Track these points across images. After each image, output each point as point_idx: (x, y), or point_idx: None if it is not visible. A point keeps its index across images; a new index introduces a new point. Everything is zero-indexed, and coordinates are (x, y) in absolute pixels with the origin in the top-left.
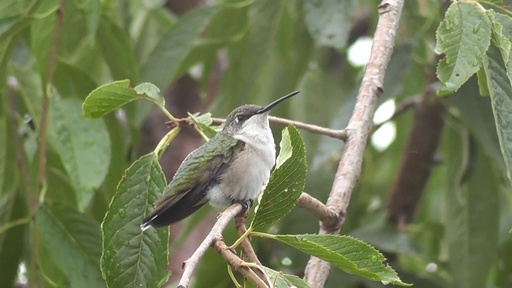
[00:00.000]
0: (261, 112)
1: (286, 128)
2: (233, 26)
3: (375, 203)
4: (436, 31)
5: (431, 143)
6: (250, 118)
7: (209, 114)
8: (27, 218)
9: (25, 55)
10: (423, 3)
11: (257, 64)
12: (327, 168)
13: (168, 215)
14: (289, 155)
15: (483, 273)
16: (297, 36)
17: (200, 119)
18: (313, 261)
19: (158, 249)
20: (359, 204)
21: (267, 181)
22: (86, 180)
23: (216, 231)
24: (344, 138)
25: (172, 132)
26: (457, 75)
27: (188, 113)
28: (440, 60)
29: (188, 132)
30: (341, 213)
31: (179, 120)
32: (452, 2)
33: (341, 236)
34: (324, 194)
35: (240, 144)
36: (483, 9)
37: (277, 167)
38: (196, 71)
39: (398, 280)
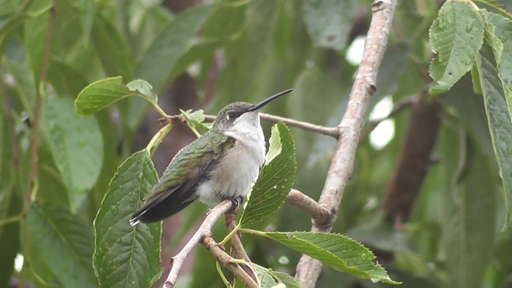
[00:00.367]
0: (252, 110)
1: (276, 125)
2: (230, 25)
3: (371, 202)
4: (429, 30)
5: (428, 142)
6: (242, 116)
7: (201, 111)
8: (19, 216)
9: (22, 54)
10: (421, 3)
11: (254, 63)
12: (324, 166)
13: (158, 211)
14: (279, 152)
15: (480, 273)
16: (294, 35)
17: (193, 116)
18: (305, 258)
19: (151, 246)
20: (356, 203)
21: (256, 178)
22: (78, 181)
23: (205, 228)
24: (337, 136)
25: (164, 129)
26: (450, 73)
27: (181, 110)
28: (433, 59)
29: (185, 130)
30: (333, 211)
31: (171, 117)
32: (445, 0)
33: (331, 234)
34: (320, 192)
35: (230, 140)
36: (477, 8)
37: (266, 163)
38: (194, 69)
39: (388, 278)
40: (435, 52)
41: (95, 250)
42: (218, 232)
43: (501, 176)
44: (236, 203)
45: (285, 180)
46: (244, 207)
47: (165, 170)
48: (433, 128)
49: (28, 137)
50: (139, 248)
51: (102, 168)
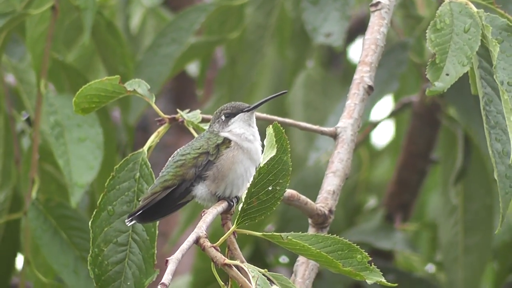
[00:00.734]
0: (247, 111)
1: (271, 126)
2: (229, 24)
3: (372, 201)
4: (427, 31)
5: (428, 142)
6: (237, 116)
7: (198, 111)
8: (20, 213)
9: (22, 52)
10: (421, 3)
11: (253, 62)
12: (324, 166)
13: (154, 211)
14: (273, 153)
15: (478, 273)
16: (294, 34)
17: (190, 116)
18: (302, 258)
19: (146, 247)
20: (356, 203)
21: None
22: (78, 175)
23: (200, 228)
24: (334, 136)
25: (161, 129)
26: (447, 74)
27: (178, 110)
28: (430, 60)
29: (185, 129)
30: (330, 211)
31: (169, 117)
32: (443, 1)
33: (326, 235)
34: None
35: (226, 141)
36: (475, 9)
37: (261, 165)
38: (193, 68)
39: (383, 280)
40: (433, 53)
41: (90, 251)
42: (214, 232)
43: (495, 177)
44: (232, 203)
45: (280, 181)
46: (240, 208)
47: (161, 171)
48: (434, 128)
49: (29, 135)
50: (135, 249)
51: (102, 166)
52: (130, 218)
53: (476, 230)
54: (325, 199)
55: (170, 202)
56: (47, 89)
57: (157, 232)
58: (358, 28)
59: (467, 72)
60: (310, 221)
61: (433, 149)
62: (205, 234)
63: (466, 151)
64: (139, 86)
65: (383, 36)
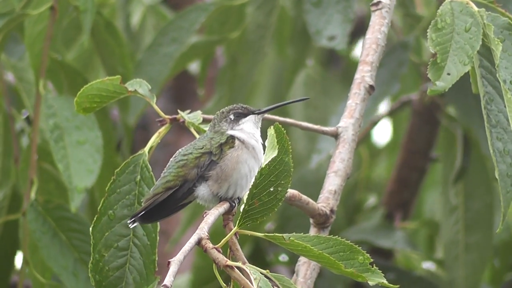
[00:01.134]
0: (258, 113)
1: (272, 126)
2: (230, 23)
3: (371, 200)
4: (428, 30)
5: (428, 140)
6: (248, 117)
7: (199, 112)
8: (19, 214)
9: (21, 51)
10: (420, 2)
11: (254, 61)
12: (325, 166)
13: (155, 212)
14: (275, 153)
15: (479, 271)
16: (294, 33)
17: (190, 116)
18: (303, 258)
19: (147, 253)
20: (356, 201)
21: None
22: (78, 179)
23: (202, 230)
24: (336, 136)
25: (162, 130)
26: (448, 74)
27: (179, 111)
28: (431, 59)
29: (185, 128)
30: (331, 211)
31: (169, 117)
32: (444, 0)
33: (328, 236)
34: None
35: (230, 141)
36: (475, 8)
37: (263, 165)
38: (194, 67)
39: (385, 281)
40: (434, 52)
41: (91, 258)
42: (216, 233)
43: (497, 176)
44: (234, 204)
45: (282, 182)
46: (241, 209)
47: (163, 171)
48: (433, 126)
49: (28, 135)
50: (136, 253)
51: (102, 166)
52: (133, 219)
53: (477, 228)
54: (327, 199)
55: (172, 202)
56: (46, 89)
57: (158, 238)
58: (359, 28)
59: (467, 72)
60: (311, 221)
61: (433, 147)
62: (207, 236)
63: (466, 150)
64: (140, 86)
65: (384, 36)
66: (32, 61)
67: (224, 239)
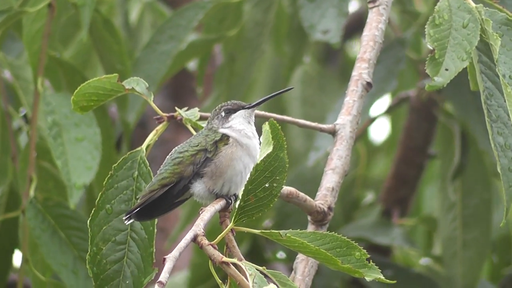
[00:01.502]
0: (248, 108)
1: (267, 122)
2: (228, 21)
3: (369, 197)
4: (426, 26)
5: (426, 137)
6: (237, 113)
7: (196, 109)
8: (18, 211)
9: (19, 49)
10: None
11: (252, 59)
12: (323, 163)
13: (151, 209)
14: (270, 149)
15: (476, 268)
16: (291, 30)
17: (188, 114)
18: (301, 255)
19: (145, 246)
20: (354, 198)
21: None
22: (76, 176)
23: (198, 226)
24: (333, 133)
25: (160, 127)
26: (446, 70)
27: (176, 108)
28: (429, 55)
29: (183, 125)
30: (329, 208)
31: (167, 115)
32: None
33: (325, 233)
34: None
35: (224, 138)
36: (473, 4)
37: (258, 161)
38: (192, 64)
39: (381, 277)
40: (432, 48)
41: (89, 250)
42: (214, 230)
43: (499, 171)
44: (230, 201)
45: (277, 178)
46: (237, 206)
47: (159, 169)
48: (431, 122)
49: (26, 132)
50: (134, 247)
51: (100, 163)
52: (128, 216)
53: (475, 225)
54: (324, 196)
55: (168, 199)
56: (44, 86)
57: (155, 230)
58: (355, 25)
59: (465, 68)
60: (309, 218)
61: (431, 143)
62: (203, 232)
63: (463, 147)
64: (137, 84)
65: (381, 33)
66: (30, 59)
67: (220, 235)
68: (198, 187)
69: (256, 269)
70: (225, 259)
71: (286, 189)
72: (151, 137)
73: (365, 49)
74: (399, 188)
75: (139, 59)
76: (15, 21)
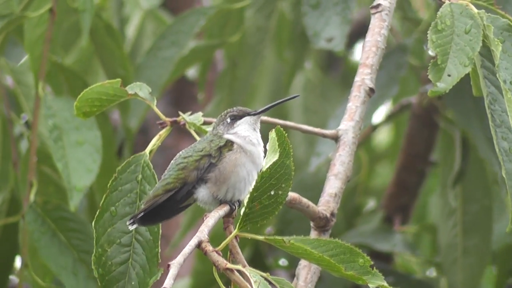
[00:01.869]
0: (254, 114)
1: (273, 130)
2: (229, 27)
3: (371, 203)
4: (428, 32)
5: (427, 144)
6: (243, 119)
7: (200, 113)
8: (18, 216)
9: (20, 54)
10: (419, 5)
11: (253, 65)
12: (324, 169)
13: (155, 214)
14: (276, 157)
15: (477, 275)
16: (293, 37)
17: (191, 118)
18: (304, 262)
19: (150, 247)
20: (355, 205)
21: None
22: (77, 179)
23: (202, 233)
24: (336, 139)
25: (163, 132)
26: (449, 75)
27: (179, 113)
28: (431, 61)
29: (185, 132)
30: (332, 214)
31: (170, 119)
32: (443, 2)
33: (328, 239)
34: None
35: (229, 144)
36: (475, 10)
37: (264, 169)
38: (191, 72)
39: (385, 284)
40: (434, 54)
41: (94, 251)
42: (217, 235)
43: (503, 175)
44: (234, 207)
45: (283, 185)
46: (242, 213)
47: (163, 174)
48: (432, 129)
49: (27, 137)
50: (138, 249)
51: (102, 169)
52: (132, 221)
53: (475, 232)
54: (327, 202)
55: (172, 205)
56: (45, 91)
57: (160, 231)
58: (358, 31)
59: (466, 74)
60: (312, 224)
61: (432, 150)
62: (207, 238)
63: (464, 154)
64: (140, 89)
65: (383, 38)
66: (32, 64)
67: (224, 242)
68: (202, 193)
69: (261, 276)
70: (229, 265)
71: (289, 194)
72: (154, 142)
73: (367, 55)
74: (401, 195)
75: (141, 64)
76: (16, 26)
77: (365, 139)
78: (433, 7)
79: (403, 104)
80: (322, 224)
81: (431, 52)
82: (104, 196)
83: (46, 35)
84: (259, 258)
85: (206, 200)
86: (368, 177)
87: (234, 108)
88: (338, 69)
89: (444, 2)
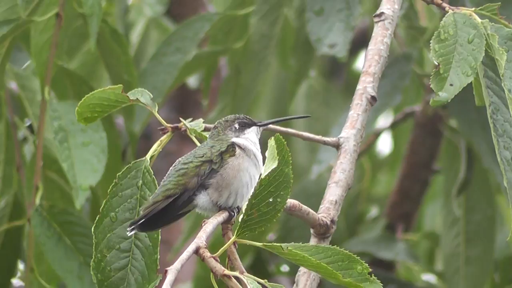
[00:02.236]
0: (261, 126)
1: (272, 138)
2: (234, 33)
3: (373, 211)
4: (431, 41)
5: (430, 152)
6: (251, 128)
7: (201, 120)
8: (23, 220)
9: (24, 59)
10: (424, 14)
11: (257, 72)
12: (326, 177)
13: (155, 220)
14: (275, 165)
15: (479, 284)
16: (297, 44)
17: (192, 125)
18: (303, 268)
19: (149, 253)
20: (358, 212)
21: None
22: (82, 178)
23: (200, 239)
24: (337, 146)
25: (164, 138)
26: (451, 85)
27: (180, 119)
28: (434, 70)
29: (187, 137)
30: (332, 221)
31: (171, 125)
32: (447, 12)
33: (327, 246)
34: None
35: (230, 149)
36: (479, 19)
37: (262, 176)
38: (192, 81)
39: None
40: (437, 63)
41: (93, 256)
42: (216, 242)
43: (505, 185)
44: (233, 214)
45: (281, 193)
46: (240, 220)
47: (163, 180)
48: (436, 138)
49: (32, 142)
50: (138, 255)
51: (107, 172)
52: (132, 227)
53: (478, 241)
54: (327, 209)
55: (172, 211)
56: (50, 96)
57: (160, 237)
58: (360, 40)
59: (470, 84)
60: (312, 231)
61: (435, 159)
62: (205, 245)
63: (468, 163)
64: (141, 95)
65: (386, 47)
66: (38, 69)
67: (222, 248)
68: (202, 199)
69: (258, 283)
70: (226, 272)
71: (289, 201)
72: (155, 148)
73: (370, 63)
74: (403, 203)
75: (145, 70)
76: (22, 31)
77: (368, 147)
78: (438, 16)
79: (407, 112)
80: (322, 231)
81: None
82: (104, 201)
83: (53, 40)
84: (261, 265)
85: (206, 207)
86: (371, 184)
87: (240, 115)
88: (341, 77)
89: (447, 12)
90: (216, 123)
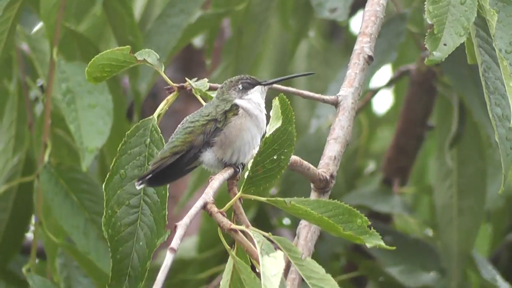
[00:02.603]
0: (265, 85)
1: (276, 98)
2: None
3: (371, 166)
4: (425, 2)
5: (425, 109)
6: (255, 88)
7: (206, 79)
8: (33, 176)
9: (34, 21)
10: None
11: (259, 33)
12: (325, 133)
13: (162, 175)
14: (279, 123)
15: (471, 235)
16: (297, 6)
17: (198, 84)
18: (304, 221)
19: (157, 209)
20: (356, 168)
21: (258, 147)
22: (89, 140)
23: (207, 194)
24: (336, 104)
25: (170, 97)
26: (445, 45)
27: (186, 79)
28: (428, 30)
29: (193, 97)
30: (331, 176)
31: (177, 85)
32: None
33: (328, 200)
34: None
35: (234, 108)
36: None
37: (267, 135)
38: (198, 41)
39: (382, 243)
40: (431, 24)
41: (104, 213)
42: (221, 197)
43: (496, 140)
44: (238, 170)
45: (285, 150)
46: (245, 176)
47: (171, 137)
48: (431, 95)
49: (42, 101)
50: (146, 210)
51: (112, 131)
52: (140, 181)
53: (470, 193)
54: (327, 165)
55: (179, 167)
56: (59, 57)
57: (167, 194)
58: (358, 1)
59: (463, 43)
60: (312, 185)
61: (430, 115)
62: (212, 200)
63: (461, 117)
64: (149, 56)
65: (382, 8)
66: (47, 31)
67: (229, 203)
68: (208, 156)
69: (263, 236)
70: (233, 226)
71: (291, 158)
72: (162, 106)
73: (366, 24)
74: (400, 158)
75: (150, 31)
76: None
77: (366, 104)
78: None
79: (402, 71)
80: (322, 185)
81: (429, 21)
82: (114, 159)
83: (61, 3)
84: (264, 218)
85: (212, 163)
86: (369, 141)
87: (246, 76)
88: (340, 37)
89: None
90: (223, 83)
